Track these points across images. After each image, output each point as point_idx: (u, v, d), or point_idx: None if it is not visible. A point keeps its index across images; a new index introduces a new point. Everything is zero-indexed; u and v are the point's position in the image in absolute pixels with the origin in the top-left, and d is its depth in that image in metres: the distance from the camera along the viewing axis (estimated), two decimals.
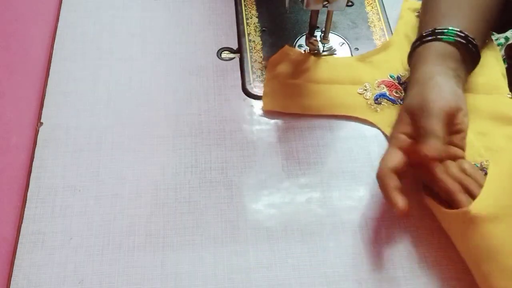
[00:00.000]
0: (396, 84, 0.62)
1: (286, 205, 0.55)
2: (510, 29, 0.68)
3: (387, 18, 0.71)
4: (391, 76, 0.63)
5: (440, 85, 0.52)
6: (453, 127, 0.52)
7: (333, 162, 0.58)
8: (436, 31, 0.57)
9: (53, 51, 0.67)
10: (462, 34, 0.56)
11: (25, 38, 0.63)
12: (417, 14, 0.69)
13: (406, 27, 0.68)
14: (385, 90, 0.62)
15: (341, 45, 0.68)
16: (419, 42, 0.58)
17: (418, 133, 0.51)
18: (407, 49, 0.61)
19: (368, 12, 0.72)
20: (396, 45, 0.66)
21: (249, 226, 0.54)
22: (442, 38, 0.56)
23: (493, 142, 0.57)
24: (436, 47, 0.56)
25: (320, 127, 0.61)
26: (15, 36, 0.60)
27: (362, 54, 0.66)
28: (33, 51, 0.65)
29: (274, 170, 0.58)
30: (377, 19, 0.71)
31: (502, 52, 0.80)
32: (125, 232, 0.53)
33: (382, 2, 0.73)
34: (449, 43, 0.56)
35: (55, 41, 0.68)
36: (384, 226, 0.54)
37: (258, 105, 0.63)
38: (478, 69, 0.60)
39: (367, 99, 0.62)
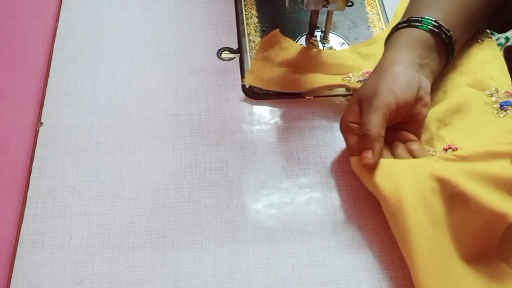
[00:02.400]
0: None
1: (286, 205, 0.55)
2: (510, 29, 0.68)
3: (387, 18, 0.71)
4: None
5: (396, 76, 0.52)
6: (410, 117, 0.53)
7: (333, 162, 0.58)
8: (411, 19, 0.57)
9: (53, 51, 0.67)
10: (436, 24, 0.56)
11: (25, 38, 0.63)
12: None
13: None
14: None
15: (341, 45, 0.68)
16: (394, 28, 0.58)
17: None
18: None
19: (368, 12, 0.72)
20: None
21: (249, 226, 0.54)
22: (416, 25, 0.56)
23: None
24: (408, 33, 0.56)
25: (320, 127, 0.61)
26: (15, 36, 0.60)
27: (353, 45, 0.66)
28: (33, 51, 0.65)
29: (274, 170, 0.58)
30: (377, 19, 0.71)
31: (502, 53, 0.80)
32: (125, 232, 0.53)
33: (382, 2, 0.73)
34: (423, 30, 0.56)
35: (55, 41, 0.68)
36: (384, 226, 0.53)
37: (258, 105, 0.63)
38: (467, 67, 0.61)
39: (350, 82, 0.62)
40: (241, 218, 0.54)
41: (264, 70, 0.63)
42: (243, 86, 0.64)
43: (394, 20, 0.69)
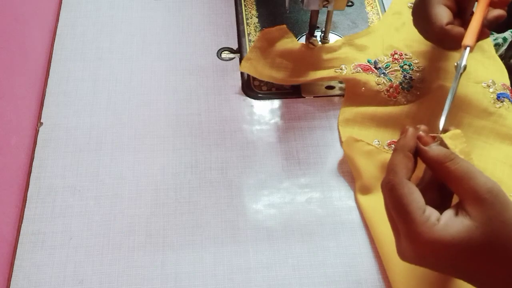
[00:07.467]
0: (372, 68, 0.63)
1: (286, 205, 0.55)
2: (509, 29, 0.68)
3: None
4: (368, 61, 0.63)
5: None
6: None
7: (333, 162, 0.58)
8: None
9: (53, 51, 0.67)
10: None
11: (25, 38, 0.63)
12: (409, 5, 0.69)
13: (394, 17, 0.69)
14: (360, 71, 0.62)
15: None
16: None
17: None
18: (392, 36, 0.63)
19: (368, 12, 0.72)
20: (380, 33, 0.67)
21: (249, 226, 0.54)
22: None
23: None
24: None
25: (320, 127, 0.61)
26: (15, 36, 0.60)
27: (347, 36, 0.66)
28: (33, 51, 0.65)
29: (274, 170, 0.58)
30: (377, 19, 0.71)
31: (502, 50, 0.81)
32: (125, 232, 0.53)
33: (382, 2, 0.73)
34: None
35: (55, 41, 0.68)
36: None
37: (258, 105, 0.63)
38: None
39: (343, 74, 0.62)
40: (241, 218, 0.54)
41: (261, 61, 0.63)
42: (243, 86, 0.64)
43: (389, 12, 0.70)
